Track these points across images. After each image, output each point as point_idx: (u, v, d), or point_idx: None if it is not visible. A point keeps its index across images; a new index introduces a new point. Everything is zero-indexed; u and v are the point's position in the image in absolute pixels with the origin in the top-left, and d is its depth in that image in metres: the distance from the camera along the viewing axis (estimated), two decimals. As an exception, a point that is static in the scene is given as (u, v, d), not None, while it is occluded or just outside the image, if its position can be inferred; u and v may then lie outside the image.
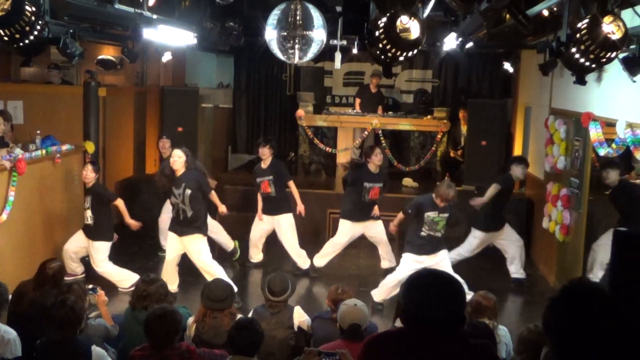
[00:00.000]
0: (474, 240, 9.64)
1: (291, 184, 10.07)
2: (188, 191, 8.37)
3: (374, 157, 9.45)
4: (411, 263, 8.26)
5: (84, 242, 9.06)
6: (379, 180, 9.52)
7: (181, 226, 8.50)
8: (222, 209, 9.12)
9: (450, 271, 8.20)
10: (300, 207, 10.05)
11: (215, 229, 10.08)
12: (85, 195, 9.05)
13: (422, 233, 8.29)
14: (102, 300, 6.34)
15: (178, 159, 8.40)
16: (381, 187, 9.55)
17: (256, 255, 10.24)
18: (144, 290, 5.99)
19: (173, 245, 8.65)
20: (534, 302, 9.18)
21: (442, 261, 8.42)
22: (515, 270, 9.72)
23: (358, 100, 14.26)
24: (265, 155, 9.87)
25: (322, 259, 9.90)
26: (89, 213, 8.90)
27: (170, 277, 8.49)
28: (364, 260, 10.65)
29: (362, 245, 10.55)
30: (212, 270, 8.42)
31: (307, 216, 10.38)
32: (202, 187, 8.52)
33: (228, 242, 10.36)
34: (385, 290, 8.57)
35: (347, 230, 9.66)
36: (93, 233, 8.97)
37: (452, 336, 3.01)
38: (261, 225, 9.96)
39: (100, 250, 8.97)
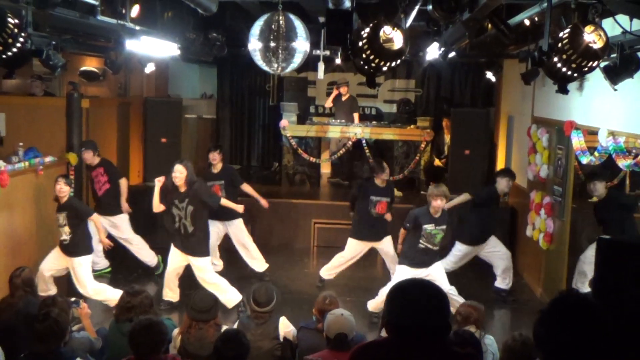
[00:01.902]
0: (458, 253, 9.58)
1: (245, 186, 10.09)
2: (190, 207, 8.40)
3: (381, 173, 9.38)
4: (406, 275, 8.23)
5: (62, 261, 8.68)
6: (386, 195, 9.42)
7: (185, 242, 8.54)
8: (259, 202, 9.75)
9: (445, 282, 8.23)
10: (263, 202, 10.07)
11: (139, 244, 10.16)
12: (59, 212, 8.58)
13: (420, 245, 8.26)
14: (85, 313, 6.31)
15: (180, 175, 8.39)
16: (389, 201, 9.44)
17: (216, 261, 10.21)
18: (129, 302, 5.95)
19: (176, 258, 8.66)
20: (519, 310, 9.21)
21: (437, 273, 8.39)
22: (501, 280, 9.72)
23: (330, 102, 14.36)
24: (216, 160, 9.94)
25: (329, 271, 9.81)
26: (65, 230, 8.52)
27: (171, 288, 8.57)
28: (351, 270, 10.64)
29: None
30: (218, 286, 8.50)
31: (292, 226, 10.38)
32: (207, 203, 8.56)
33: (151, 258, 10.31)
34: (381, 302, 8.56)
35: (353, 248, 9.56)
36: (72, 249, 8.60)
37: (437, 345, 3.01)
38: (213, 229, 9.91)
39: (84, 265, 8.64)
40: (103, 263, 10.15)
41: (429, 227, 8.22)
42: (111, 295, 8.28)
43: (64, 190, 8.55)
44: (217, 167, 9.95)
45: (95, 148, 10.06)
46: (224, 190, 9.79)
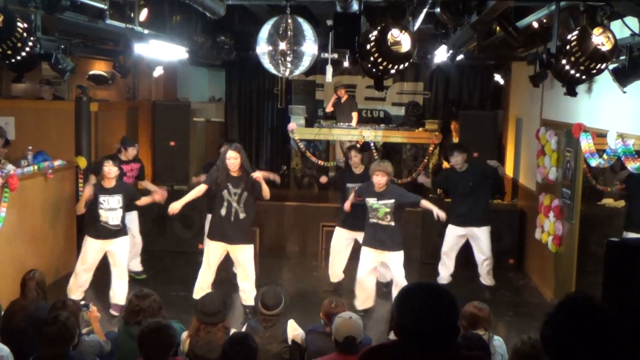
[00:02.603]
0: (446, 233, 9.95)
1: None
2: (245, 194, 8.40)
3: (354, 158, 9.70)
4: (365, 255, 8.75)
5: (100, 253, 8.68)
6: (363, 180, 9.40)
7: (229, 230, 8.44)
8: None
9: (400, 273, 8.50)
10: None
11: (139, 244, 10.15)
12: (110, 195, 8.50)
13: (371, 220, 8.54)
14: (94, 316, 6.32)
15: (234, 161, 8.31)
16: None
17: None
18: (137, 305, 5.96)
19: (216, 253, 8.60)
20: (528, 313, 9.18)
21: (395, 262, 8.60)
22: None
23: (330, 107, 14.37)
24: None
25: (332, 272, 9.89)
26: (119, 213, 8.56)
27: (204, 289, 8.43)
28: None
29: (357, 258, 10.52)
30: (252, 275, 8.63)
31: (300, 229, 10.37)
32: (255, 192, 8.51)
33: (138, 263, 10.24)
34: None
35: (336, 236, 9.70)
36: (122, 231, 8.72)
37: (446, 348, 3.01)
38: None
39: (127, 244, 8.86)
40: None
41: (371, 200, 8.44)
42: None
43: (113, 171, 8.51)
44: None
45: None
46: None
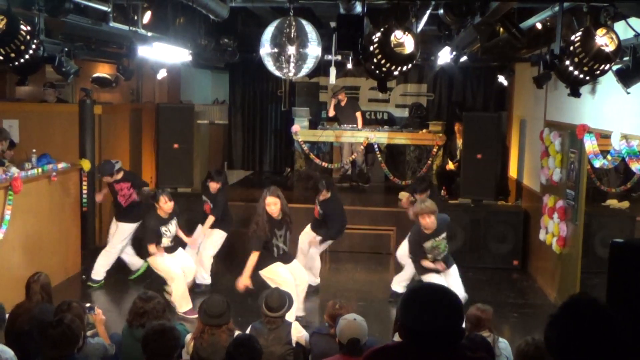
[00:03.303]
0: None
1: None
2: (289, 233, 8.36)
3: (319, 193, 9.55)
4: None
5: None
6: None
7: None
8: None
9: (460, 287, 8.19)
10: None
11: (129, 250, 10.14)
12: (171, 222, 8.85)
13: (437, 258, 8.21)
14: (99, 319, 6.31)
15: (274, 207, 8.11)
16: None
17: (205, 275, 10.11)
18: (141, 307, 5.96)
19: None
20: (532, 314, 9.17)
21: (453, 276, 8.35)
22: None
23: (331, 111, 14.32)
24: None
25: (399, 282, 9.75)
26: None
27: None
28: (361, 274, 10.64)
29: (361, 260, 10.54)
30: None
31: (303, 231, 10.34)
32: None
33: (137, 262, 10.16)
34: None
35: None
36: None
37: (450, 349, 3.00)
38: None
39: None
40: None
41: (429, 243, 8.10)
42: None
43: (170, 204, 8.78)
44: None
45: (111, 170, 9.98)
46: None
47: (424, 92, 15.65)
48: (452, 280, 8.25)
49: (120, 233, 9.80)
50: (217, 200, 9.68)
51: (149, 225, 8.72)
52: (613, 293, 3.43)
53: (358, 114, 14.12)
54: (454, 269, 8.42)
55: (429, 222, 7.95)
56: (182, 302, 8.69)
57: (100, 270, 9.75)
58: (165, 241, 8.75)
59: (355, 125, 13.84)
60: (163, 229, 8.69)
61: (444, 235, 8.18)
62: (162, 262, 8.73)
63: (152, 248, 8.61)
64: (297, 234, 9.68)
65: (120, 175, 9.82)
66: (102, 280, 9.75)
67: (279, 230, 8.17)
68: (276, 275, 8.16)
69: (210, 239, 9.77)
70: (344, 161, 13.97)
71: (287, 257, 8.32)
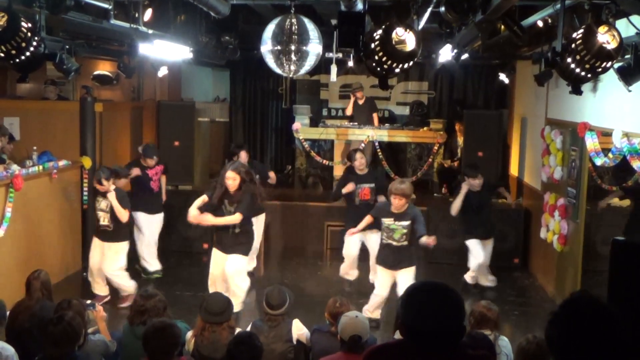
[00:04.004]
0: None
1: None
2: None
3: (360, 160, 9.61)
4: (381, 274, 8.40)
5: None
6: (369, 181, 9.53)
7: (229, 244, 8.39)
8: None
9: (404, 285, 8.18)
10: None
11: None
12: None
13: (383, 241, 8.26)
14: (100, 315, 6.31)
15: (232, 182, 8.18)
16: (372, 187, 9.53)
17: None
18: (142, 305, 5.95)
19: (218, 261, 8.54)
20: (533, 312, 9.18)
21: (403, 279, 8.17)
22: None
23: (350, 110, 14.28)
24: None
25: (352, 272, 9.95)
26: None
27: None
28: (363, 271, 10.62)
29: (362, 257, 10.49)
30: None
31: (304, 229, 10.38)
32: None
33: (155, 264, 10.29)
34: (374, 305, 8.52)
35: (347, 241, 9.59)
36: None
37: (452, 348, 3.00)
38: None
39: None
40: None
41: (387, 221, 8.15)
42: None
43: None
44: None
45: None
46: None
47: (424, 90, 15.62)
48: (401, 279, 8.19)
49: (158, 223, 10.09)
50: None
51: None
52: (614, 291, 3.43)
53: (375, 116, 14.10)
54: (409, 271, 8.25)
55: (397, 204, 8.02)
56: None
57: (153, 261, 10.07)
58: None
59: (355, 123, 13.81)
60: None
61: (405, 224, 8.11)
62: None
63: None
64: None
65: (155, 160, 10.08)
66: (160, 269, 10.12)
67: (229, 205, 8.25)
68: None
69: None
70: (345, 160, 13.97)
71: (230, 241, 8.34)
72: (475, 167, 10.00)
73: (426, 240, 7.99)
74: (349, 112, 14.28)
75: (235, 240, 8.29)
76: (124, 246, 8.91)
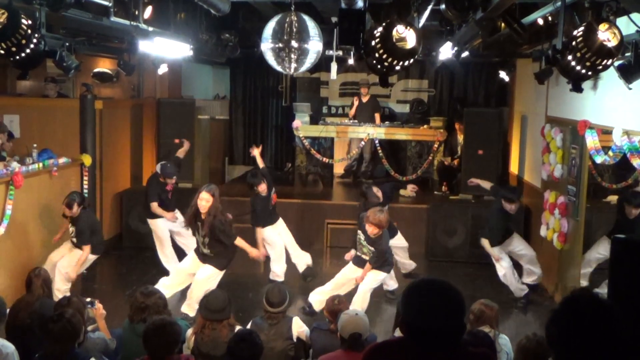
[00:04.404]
0: None
1: None
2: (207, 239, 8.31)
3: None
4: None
5: None
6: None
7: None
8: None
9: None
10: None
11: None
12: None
13: (357, 252, 8.34)
14: (100, 313, 6.32)
15: (205, 203, 8.21)
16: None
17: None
18: (142, 302, 5.96)
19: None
20: (534, 310, 9.18)
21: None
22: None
23: (352, 112, 14.29)
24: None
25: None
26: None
27: None
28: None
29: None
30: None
31: (304, 227, 10.38)
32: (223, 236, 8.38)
33: None
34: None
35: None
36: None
37: (452, 345, 3.00)
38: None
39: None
40: None
41: (362, 235, 8.21)
42: None
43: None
44: None
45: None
46: None
47: (425, 88, 15.63)
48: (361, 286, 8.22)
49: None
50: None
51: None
52: (614, 288, 3.44)
53: (377, 115, 14.12)
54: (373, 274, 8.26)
55: (370, 231, 8.01)
56: None
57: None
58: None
59: (355, 121, 13.82)
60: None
61: (372, 249, 8.13)
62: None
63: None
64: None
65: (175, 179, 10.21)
66: None
67: (201, 229, 8.29)
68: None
69: None
70: (350, 156, 14.02)
71: (203, 257, 8.41)
72: (514, 190, 9.87)
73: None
74: (351, 114, 14.29)
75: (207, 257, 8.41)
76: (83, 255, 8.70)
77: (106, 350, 5.93)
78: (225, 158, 16.43)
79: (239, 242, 8.48)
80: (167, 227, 9.93)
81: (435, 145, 13.21)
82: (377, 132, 13.16)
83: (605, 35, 5.33)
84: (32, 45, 5.74)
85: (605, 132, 7.84)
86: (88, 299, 6.51)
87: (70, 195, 8.61)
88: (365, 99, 14.19)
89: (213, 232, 8.22)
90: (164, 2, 8.63)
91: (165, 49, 8.78)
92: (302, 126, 13.37)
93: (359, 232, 8.28)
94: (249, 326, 6.09)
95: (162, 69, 11.05)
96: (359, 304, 7.90)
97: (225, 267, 8.48)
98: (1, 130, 9.65)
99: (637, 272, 3.36)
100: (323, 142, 13.77)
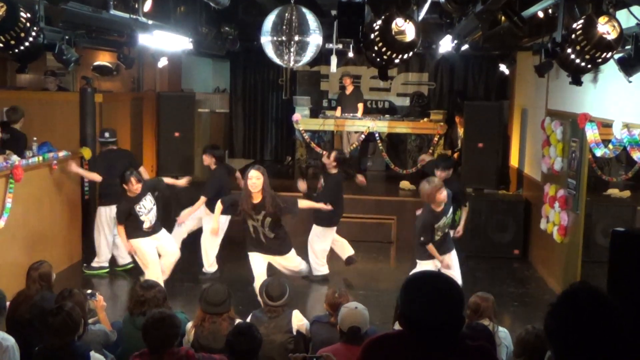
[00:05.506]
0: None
1: None
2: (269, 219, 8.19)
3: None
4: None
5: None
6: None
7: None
8: None
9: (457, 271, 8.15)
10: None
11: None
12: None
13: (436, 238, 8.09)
14: (100, 305, 6.32)
15: (257, 181, 8.06)
16: None
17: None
18: (142, 295, 5.96)
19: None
20: (533, 303, 9.18)
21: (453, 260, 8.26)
22: None
23: (339, 108, 14.30)
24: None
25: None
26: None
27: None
28: (362, 263, 10.62)
29: (361, 249, 10.51)
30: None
31: (304, 220, 10.36)
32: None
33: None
34: None
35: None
36: None
37: (451, 339, 3.00)
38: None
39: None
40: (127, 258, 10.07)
41: (441, 222, 8.03)
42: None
43: (138, 185, 8.56)
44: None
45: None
46: None
47: (425, 81, 15.63)
48: (451, 265, 8.20)
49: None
50: (209, 179, 9.76)
51: (119, 208, 8.64)
52: (614, 282, 3.43)
53: (360, 105, 14.13)
54: (453, 255, 8.29)
55: (443, 196, 7.86)
56: None
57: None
58: (145, 219, 8.58)
59: (356, 114, 13.82)
60: (136, 207, 8.53)
61: (452, 209, 8.15)
62: (140, 247, 8.61)
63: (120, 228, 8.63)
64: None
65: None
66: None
67: (257, 213, 8.14)
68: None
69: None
70: (345, 150, 13.97)
71: (268, 246, 8.37)
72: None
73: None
74: (338, 113, 14.26)
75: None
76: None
77: (107, 342, 5.94)
78: (225, 151, 16.41)
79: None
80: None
81: (435, 139, 13.20)
82: (377, 125, 13.16)
83: (605, 28, 5.32)
84: (31, 39, 5.72)
85: (606, 125, 7.84)
86: (89, 291, 6.51)
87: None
88: (348, 91, 14.20)
89: (276, 208, 8.12)
90: (163, -5, 8.62)
91: (165, 42, 8.78)
92: (302, 119, 13.37)
93: (439, 224, 8.02)
94: (248, 319, 6.09)
95: (162, 62, 11.03)
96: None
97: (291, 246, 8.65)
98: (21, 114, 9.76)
99: (636, 265, 3.35)
100: (323, 135, 13.77)
